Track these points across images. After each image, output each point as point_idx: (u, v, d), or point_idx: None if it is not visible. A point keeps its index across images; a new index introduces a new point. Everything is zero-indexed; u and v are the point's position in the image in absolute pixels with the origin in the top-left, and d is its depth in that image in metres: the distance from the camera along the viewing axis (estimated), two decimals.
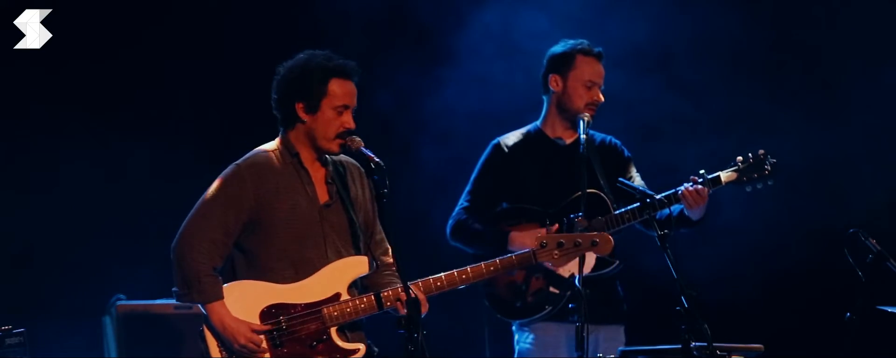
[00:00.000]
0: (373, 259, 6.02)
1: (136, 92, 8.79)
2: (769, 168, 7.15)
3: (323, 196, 6.03)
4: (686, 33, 9.06)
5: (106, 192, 8.70)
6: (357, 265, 5.98)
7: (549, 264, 6.35)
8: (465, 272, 6.06)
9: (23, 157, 8.62)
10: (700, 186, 6.99)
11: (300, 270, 5.93)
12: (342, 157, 6.12)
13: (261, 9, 9.04)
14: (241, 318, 5.87)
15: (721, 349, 6.28)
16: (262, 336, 5.87)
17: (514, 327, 7.31)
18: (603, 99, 7.19)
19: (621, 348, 6.93)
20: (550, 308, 7.11)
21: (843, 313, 6.50)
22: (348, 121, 5.95)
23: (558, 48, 7.28)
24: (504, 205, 7.25)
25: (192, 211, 5.92)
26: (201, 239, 5.85)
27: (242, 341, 5.84)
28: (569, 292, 7.02)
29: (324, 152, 6.01)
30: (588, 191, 7.03)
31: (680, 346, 6.06)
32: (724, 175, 7.11)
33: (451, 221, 7.26)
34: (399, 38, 9.13)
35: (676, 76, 9.05)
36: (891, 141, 8.97)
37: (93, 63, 8.69)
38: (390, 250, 6.10)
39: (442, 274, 6.04)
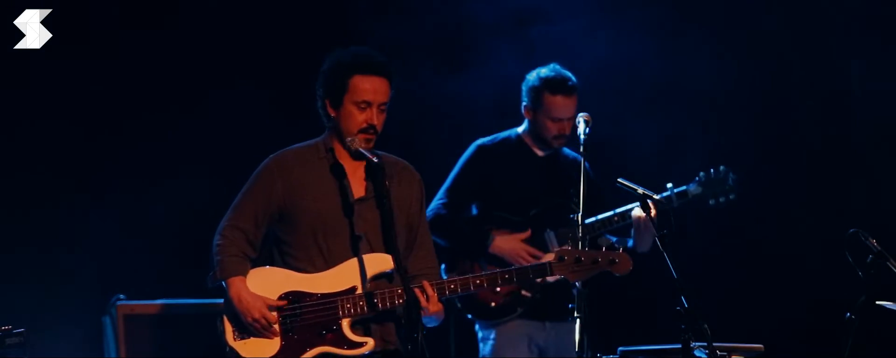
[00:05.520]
0: (400, 259, 5.99)
1: (137, 92, 8.78)
2: (731, 184, 7.42)
3: (359, 191, 6.10)
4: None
5: (105, 192, 8.68)
6: (379, 262, 6.04)
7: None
8: (481, 278, 6.11)
9: (22, 156, 8.60)
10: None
11: (329, 260, 6.05)
12: (392, 157, 6.19)
13: (260, 9, 9.03)
14: None
15: (721, 349, 6.28)
16: (275, 314, 5.98)
17: (477, 327, 7.62)
18: (568, 132, 7.39)
19: (621, 348, 6.93)
20: (522, 309, 7.47)
21: (843, 313, 6.49)
22: (371, 117, 6.02)
23: (532, 81, 7.51)
24: (473, 208, 7.54)
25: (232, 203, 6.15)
26: (232, 228, 6.07)
27: (256, 315, 5.95)
28: (538, 295, 7.41)
29: (351, 148, 6.05)
30: (557, 200, 7.43)
31: (680, 346, 6.07)
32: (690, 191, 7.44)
33: (429, 214, 7.35)
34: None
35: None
36: (891, 139, 8.96)
37: (93, 63, 8.68)
38: (423, 253, 6.20)
39: (456, 278, 6.08)
